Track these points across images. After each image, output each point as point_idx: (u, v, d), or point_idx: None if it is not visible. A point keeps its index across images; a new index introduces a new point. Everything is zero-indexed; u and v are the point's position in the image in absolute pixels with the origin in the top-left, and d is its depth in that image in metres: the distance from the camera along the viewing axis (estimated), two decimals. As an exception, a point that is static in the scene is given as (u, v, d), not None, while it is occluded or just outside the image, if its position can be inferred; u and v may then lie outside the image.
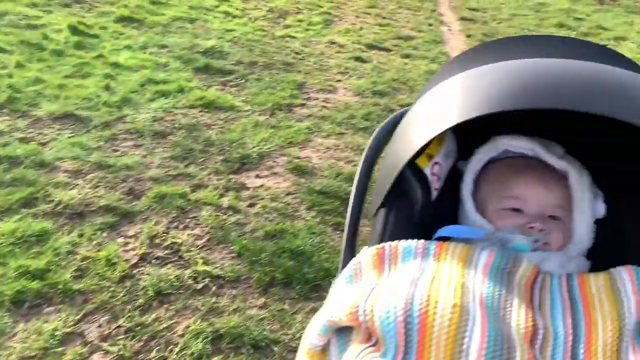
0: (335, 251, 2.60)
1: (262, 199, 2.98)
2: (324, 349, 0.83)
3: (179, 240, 2.58)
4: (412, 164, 1.07)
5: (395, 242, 0.93)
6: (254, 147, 3.47)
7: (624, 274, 0.92)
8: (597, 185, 1.17)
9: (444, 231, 1.04)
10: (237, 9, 6.54)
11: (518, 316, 0.82)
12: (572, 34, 7.36)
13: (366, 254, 0.93)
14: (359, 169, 1.19)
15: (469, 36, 6.88)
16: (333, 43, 5.85)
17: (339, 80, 4.86)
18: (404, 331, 0.75)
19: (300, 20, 6.46)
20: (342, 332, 0.82)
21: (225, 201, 2.92)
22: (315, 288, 2.37)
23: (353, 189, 1.17)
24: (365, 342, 0.79)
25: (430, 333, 0.75)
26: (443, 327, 0.75)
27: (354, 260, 0.94)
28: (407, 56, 5.78)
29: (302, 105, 4.25)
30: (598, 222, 1.14)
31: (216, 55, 4.95)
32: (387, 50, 5.91)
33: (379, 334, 0.77)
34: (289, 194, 3.06)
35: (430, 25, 7.14)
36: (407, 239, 0.94)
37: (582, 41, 1.22)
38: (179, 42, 5.10)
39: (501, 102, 0.89)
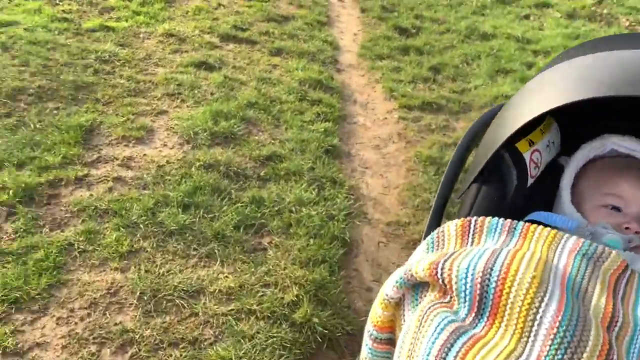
0: None
1: None
2: (398, 303, 0.81)
3: None
4: (512, 147, 1.03)
5: (482, 217, 0.89)
6: None
7: None
8: None
9: (535, 216, 1.03)
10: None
11: (598, 300, 0.79)
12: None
13: (450, 225, 0.90)
14: (456, 149, 1.19)
15: (363, 10, 5.08)
16: (171, 35, 3.88)
17: (161, 113, 2.98)
18: (480, 292, 0.74)
19: (131, -2, 4.39)
20: (418, 288, 0.81)
21: None
22: None
23: (447, 167, 1.18)
24: (440, 298, 0.77)
25: (506, 298, 0.73)
26: (519, 295, 0.72)
27: (437, 229, 0.91)
28: (277, 52, 3.94)
29: (79, 182, 2.39)
30: None
31: (-46, 81, 2.91)
32: (251, 42, 4.03)
33: (455, 291, 0.75)
34: None
35: (315, -5, 5.25)
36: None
37: None
38: None
39: (612, 88, 0.85)
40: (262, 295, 1.94)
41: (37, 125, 2.66)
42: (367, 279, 2.16)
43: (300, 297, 1.95)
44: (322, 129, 3.02)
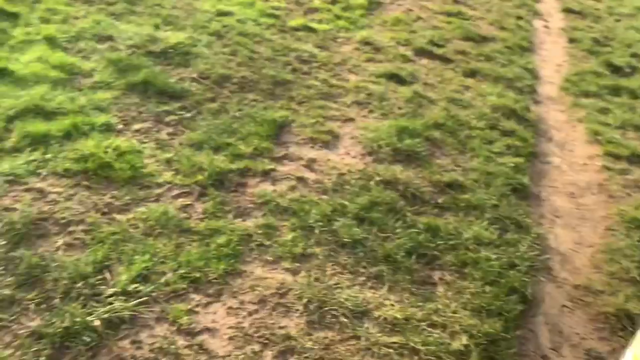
0: None
1: None
2: None
3: None
4: None
5: None
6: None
7: None
8: None
9: None
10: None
11: None
12: None
13: None
14: None
15: (572, 40, 4.64)
16: (367, 44, 3.88)
17: (349, 120, 2.97)
18: None
19: (335, 1, 4.50)
20: None
21: None
22: None
23: None
24: None
25: None
26: None
27: None
28: (472, 73, 3.74)
29: (265, 175, 2.45)
30: None
31: (174, 61, 3.17)
32: (446, 60, 3.88)
33: None
34: None
35: (519, 18, 4.93)
36: None
37: None
38: (131, 33, 3.35)
39: None
40: (428, 335, 1.80)
41: (237, 114, 2.80)
42: (544, 345, 1.91)
43: (470, 348, 1.78)
44: (512, 164, 2.78)
